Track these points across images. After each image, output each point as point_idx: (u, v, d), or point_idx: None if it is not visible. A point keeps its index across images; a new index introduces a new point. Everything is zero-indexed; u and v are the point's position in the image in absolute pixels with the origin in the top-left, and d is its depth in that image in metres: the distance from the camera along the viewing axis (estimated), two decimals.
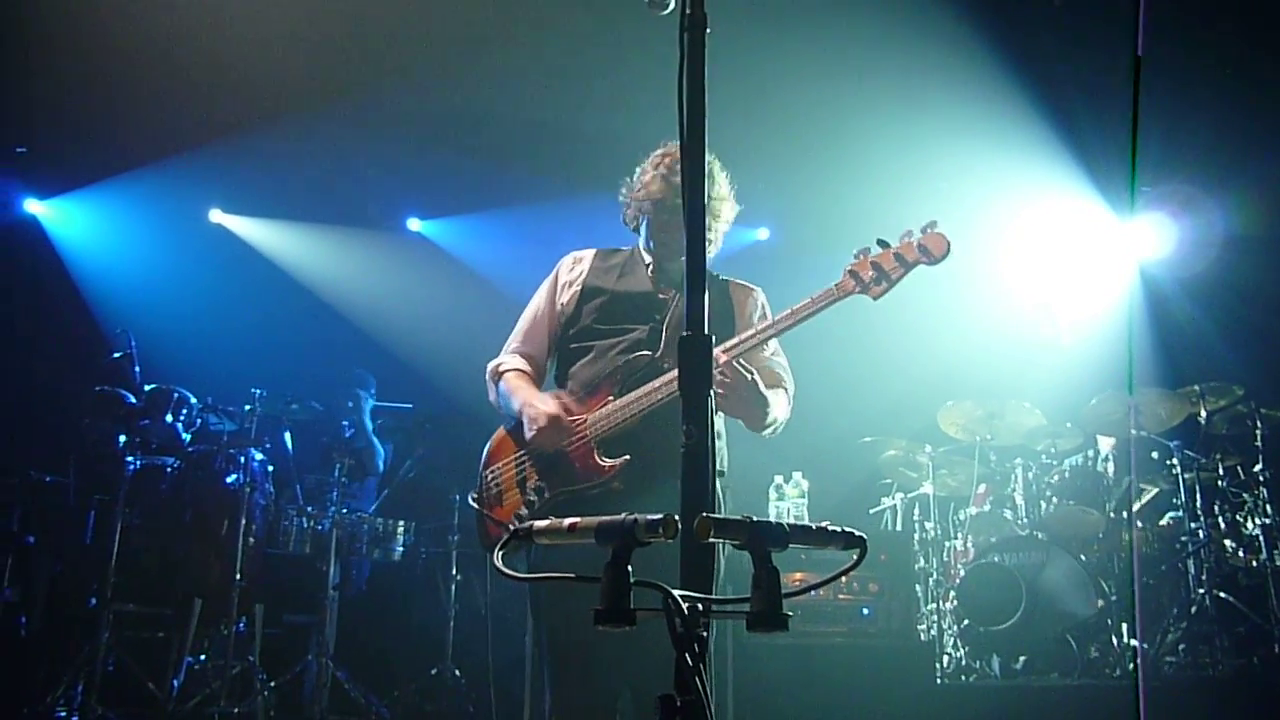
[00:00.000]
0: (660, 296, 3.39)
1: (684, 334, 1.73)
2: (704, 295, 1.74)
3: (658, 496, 3.06)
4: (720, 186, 3.45)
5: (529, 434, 3.20)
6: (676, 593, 1.25)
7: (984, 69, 7.39)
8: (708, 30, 1.90)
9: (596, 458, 3.14)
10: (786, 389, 3.42)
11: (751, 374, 3.11)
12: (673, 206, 3.32)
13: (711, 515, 1.31)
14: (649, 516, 1.28)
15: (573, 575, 1.37)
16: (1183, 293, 7.77)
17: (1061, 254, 8.17)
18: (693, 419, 1.66)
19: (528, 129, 8.31)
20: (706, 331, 1.72)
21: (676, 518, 1.28)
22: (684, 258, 2.98)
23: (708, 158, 3.36)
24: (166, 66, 7.46)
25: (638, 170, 3.52)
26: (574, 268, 3.52)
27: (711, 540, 1.32)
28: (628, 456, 3.09)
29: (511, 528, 3.01)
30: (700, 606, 1.25)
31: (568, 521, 1.37)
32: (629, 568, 1.29)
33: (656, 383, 3.11)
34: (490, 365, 3.50)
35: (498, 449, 3.38)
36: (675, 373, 3.02)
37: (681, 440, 1.63)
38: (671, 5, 2.05)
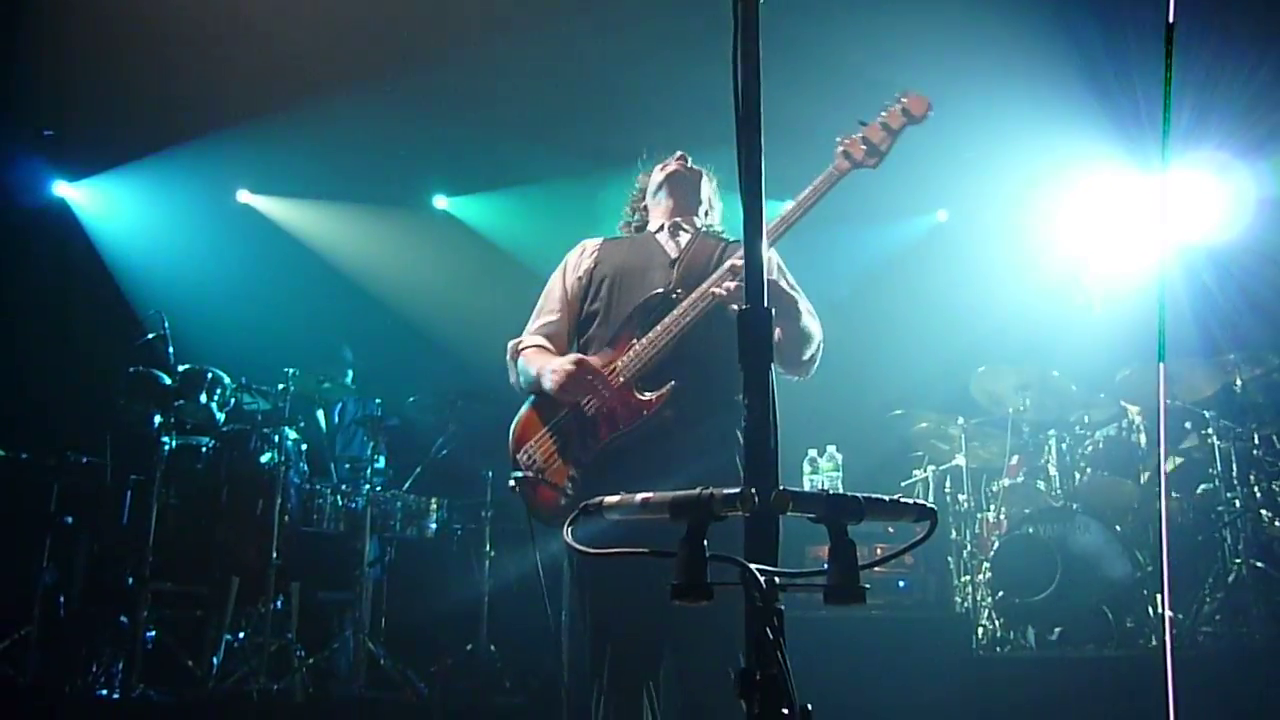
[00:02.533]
0: (670, 244, 3.46)
1: (743, 307, 1.72)
2: (764, 270, 1.73)
3: (712, 417, 3.13)
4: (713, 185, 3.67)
5: (552, 386, 3.17)
6: (754, 566, 1.24)
7: (1018, 37, 7.32)
8: (761, 1, 1.88)
9: (636, 394, 3.12)
10: (807, 307, 3.38)
11: (774, 275, 3.18)
12: (680, 176, 3.57)
13: (789, 489, 1.31)
14: (725, 491, 1.28)
15: (647, 550, 1.37)
16: (1217, 261, 7.69)
17: (1094, 222, 8.09)
18: (753, 392, 1.64)
19: (553, 104, 8.29)
20: (765, 306, 1.70)
21: (754, 491, 1.27)
22: (740, 237, 3.01)
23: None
24: (192, 48, 7.49)
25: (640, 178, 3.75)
26: (583, 254, 3.56)
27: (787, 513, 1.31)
28: (673, 383, 3.08)
29: (569, 490, 3.04)
30: (777, 580, 1.25)
31: (640, 496, 1.37)
32: (705, 542, 1.29)
33: (676, 310, 3.14)
34: (510, 345, 3.52)
35: (525, 427, 3.34)
36: (693, 294, 3.12)
37: (742, 409, 1.62)
38: None
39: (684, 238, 3.47)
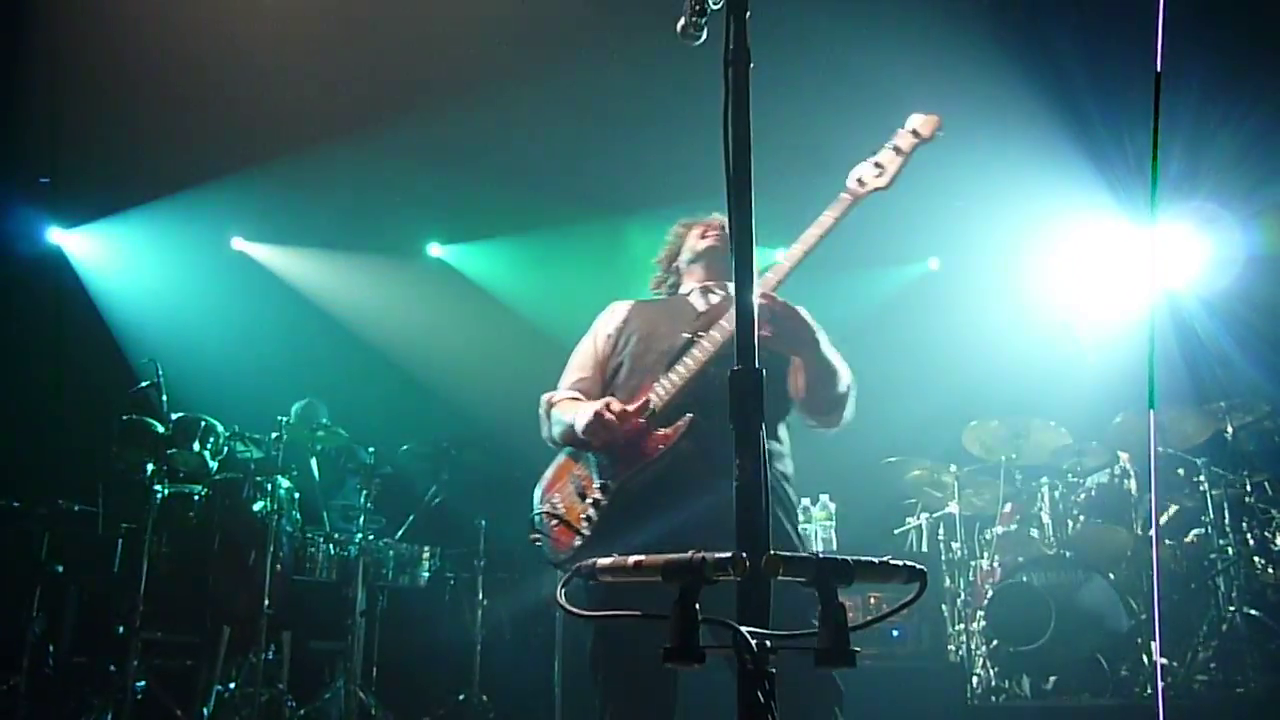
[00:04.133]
0: (701, 304, 3.48)
1: (734, 368, 1.74)
2: (754, 329, 1.75)
3: (727, 447, 3.11)
4: None
5: (582, 427, 3.15)
6: (745, 630, 1.25)
7: (1006, 88, 7.41)
8: (751, 65, 1.92)
9: (655, 433, 3.12)
10: (828, 341, 3.36)
11: (798, 310, 3.18)
12: (717, 253, 3.58)
13: (779, 553, 1.32)
14: (718, 555, 1.29)
15: (639, 612, 1.38)
16: (1207, 309, 7.75)
17: (1085, 271, 8.15)
18: (745, 453, 1.66)
19: (547, 154, 8.36)
20: (756, 364, 1.72)
21: (745, 556, 1.29)
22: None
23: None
24: (188, 96, 7.55)
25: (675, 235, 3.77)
26: (613, 315, 3.59)
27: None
28: (689, 415, 3.09)
29: (584, 530, 3.06)
30: (769, 643, 1.26)
31: (632, 559, 1.38)
32: (697, 605, 1.30)
33: (695, 350, 3.16)
34: (544, 399, 3.51)
35: (553, 479, 3.34)
36: (712, 332, 3.12)
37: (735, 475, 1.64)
38: (704, 36, 2.08)
39: (714, 298, 3.50)
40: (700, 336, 3.20)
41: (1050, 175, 7.62)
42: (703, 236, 3.63)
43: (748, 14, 1.95)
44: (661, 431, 3.12)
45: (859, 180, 3.24)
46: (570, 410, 3.31)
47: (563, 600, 1.42)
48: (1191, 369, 7.25)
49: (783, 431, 3.38)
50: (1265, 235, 7.60)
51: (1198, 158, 7.25)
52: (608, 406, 3.14)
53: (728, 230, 3.52)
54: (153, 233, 8.64)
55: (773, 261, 3.26)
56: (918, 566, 1.41)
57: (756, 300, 2.87)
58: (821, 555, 1.33)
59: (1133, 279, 7.97)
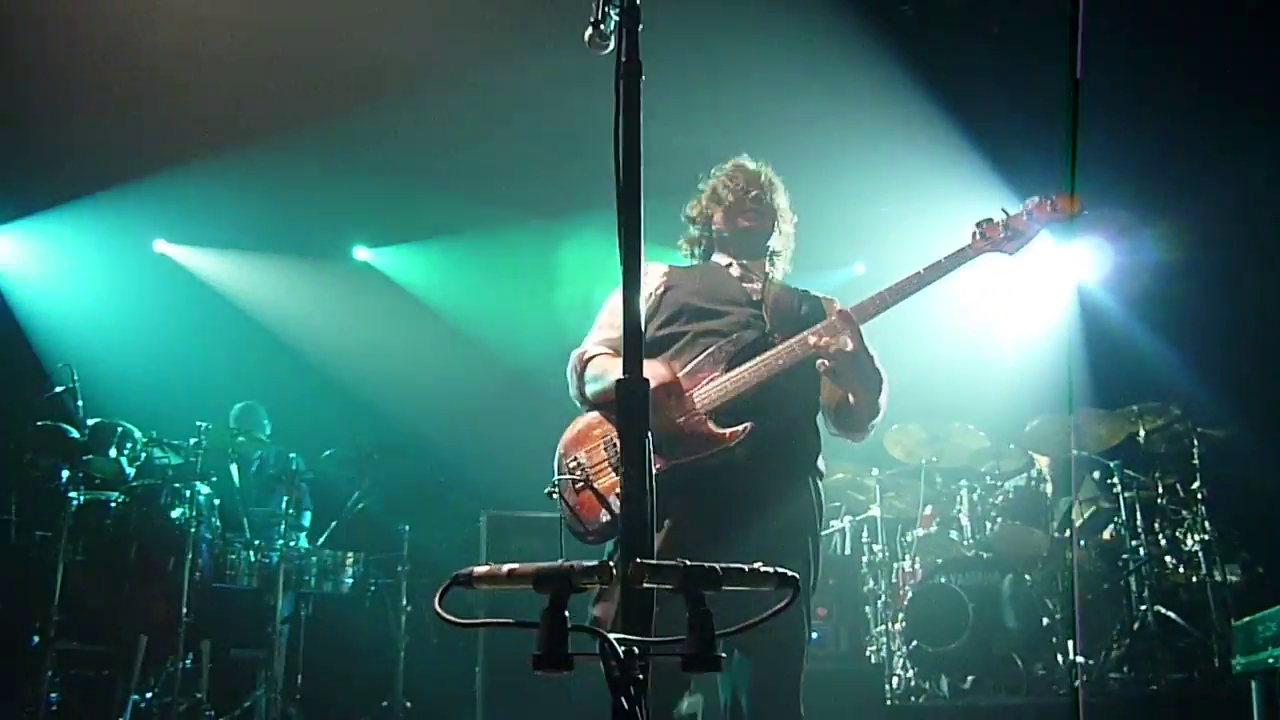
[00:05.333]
0: (747, 285, 3.36)
1: (621, 377, 1.75)
2: (641, 338, 1.77)
3: (782, 464, 3.09)
4: (781, 199, 3.50)
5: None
6: (613, 636, 1.27)
7: (920, 97, 7.54)
8: (643, 77, 1.94)
9: (712, 427, 3.01)
10: (887, 382, 3.29)
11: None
12: (748, 201, 3.42)
13: (645, 561, 1.34)
14: (585, 563, 1.31)
15: (511, 621, 1.39)
16: (1120, 315, 7.92)
17: (1002, 277, 8.28)
18: (631, 461, 1.68)
19: (474, 156, 8.33)
20: (644, 376, 1.74)
21: (613, 565, 1.31)
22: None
23: (767, 171, 3.47)
24: (109, 96, 7.42)
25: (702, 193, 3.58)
26: (649, 276, 3.39)
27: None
28: (749, 424, 2.98)
29: (615, 505, 2.91)
30: (636, 650, 1.28)
31: (506, 568, 1.40)
32: (566, 613, 1.32)
33: (770, 352, 3.06)
34: (574, 355, 3.35)
35: (579, 435, 3.20)
36: (791, 341, 3.03)
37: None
38: (610, 46, 2.08)
39: (757, 283, 3.39)
40: (775, 339, 3.12)
41: (970, 183, 7.74)
42: (741, 215, 3.44)
43: (639, 26, 1.97)
44: (720, 430, 3.01)
45: (983, 235, 3.18)
46: (615, 366, 3.08)
47: (439, 609, 1.42)
48: (1104, 373, 7.39)
49: (820, 426, 3.31)
50: (1176, 243, 7.78)
51: (1111, 168, 7.39)
52: (673, 378, 3.04)
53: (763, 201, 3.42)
54: (71, 234, 8.51)
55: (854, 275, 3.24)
56: (788, 574, 1.44)
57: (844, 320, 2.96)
58: (688, 563, 1.35)
59: (1048, 285, 8.12)
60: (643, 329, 1.79)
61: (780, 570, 1.43)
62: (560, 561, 1.33)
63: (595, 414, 3.22)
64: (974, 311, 8.18)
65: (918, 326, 7.92)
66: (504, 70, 7.55)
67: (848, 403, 3.23)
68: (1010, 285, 8.28)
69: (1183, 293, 7.65)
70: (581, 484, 3.05)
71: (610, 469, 3.07)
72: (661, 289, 3.36)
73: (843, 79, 7.35)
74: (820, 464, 3.25)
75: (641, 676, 1.28)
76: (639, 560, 1.33)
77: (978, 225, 3.20)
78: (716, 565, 1.36)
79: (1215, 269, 7.60)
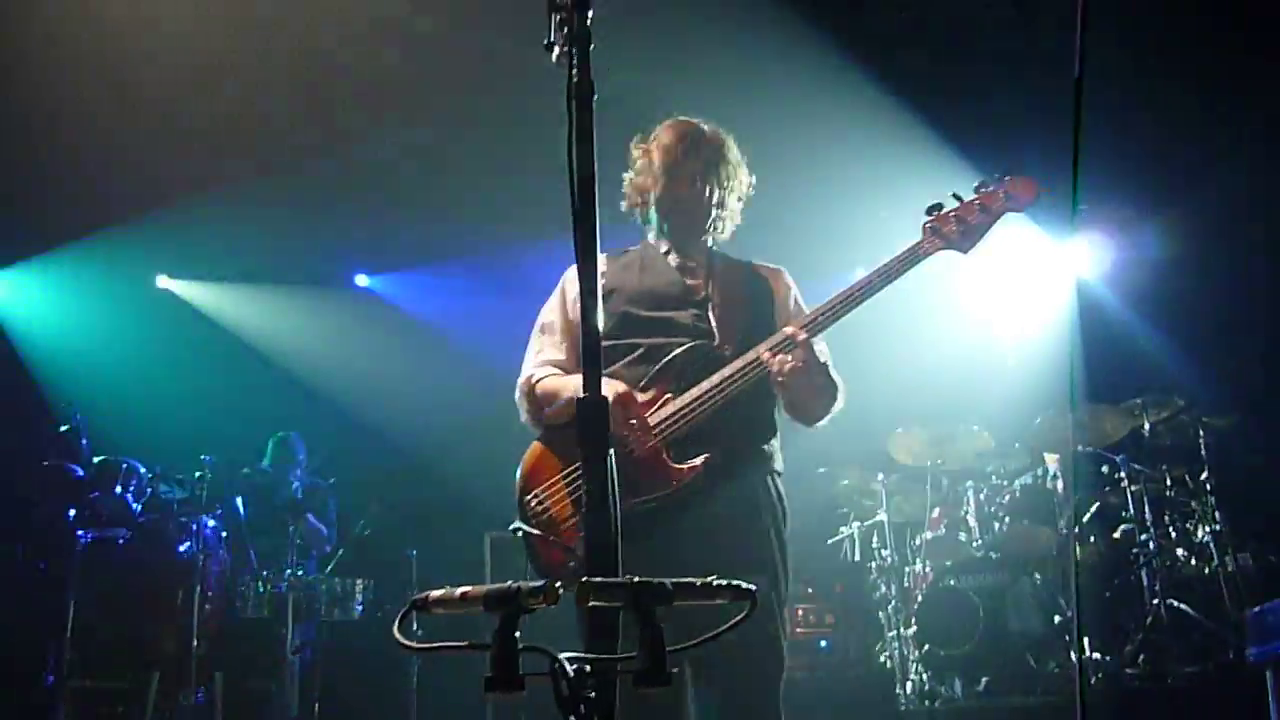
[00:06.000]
0: (690, 282, 3.20)
1: (581, 396, 1.76)
2: (600, 363, 1.78)
3: (739, 490, 2.96)
4: (734, 169, 3.27)
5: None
6: (563, 655, 1.28)
7: (923, 97, 7.54)
8: (595, 97, 1.95)
9: (669, 460, 2.86)
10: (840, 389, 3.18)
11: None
12: (679, 179, 3.21)
13: (592, 580, 1.35)
14: (532, 584, 1.32)
15: (465, 644, 1.40)
16: (1121, 310, 7.90)
17: (1002, 276, 8.28)
18: (593, 479, 1.69)
19: (474, 180, 8.35)
20: (603, 394, 1.75)
21: (559, 585, 1.31)
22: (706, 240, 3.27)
23: (723, 137, 3.23)
24: (106, 135, 7.47)
25: (634, 160, 3.34)
26: None
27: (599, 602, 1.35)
28: (707, 455, 2.85)
29: (580, 551, 2.74)
30: (587, 669, 1.28)
31: (459, 591, 1.40)
32: (517, 634, 1.32)
33: (725, 371, 2.92)
34: (520, 382, 3.19)
35: (536, 467, 3.04)
36: (744, 359, 2.90)
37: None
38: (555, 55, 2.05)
39: (698, 264, 3.24)
40: (726, 353, 2.99)
41: (969, 182, 7.72)
42: (679, 193, 3.23)
43: (591, 46, 1.99)
44: (677, 465, 2.87)
45: (935, 230, 3.01)
46: (568, 385, 3.03)
47: (399, 635, 1.43)
48: (1107, 368, 7.36)
49: (776, 423, 3.17)
50: (1176, 238, 7.76)
51: (1112, 164, 7.37)
52: (629, 400, 2.89)
53: (702, 163, 3.16)
54: (74, 274, 8.56)
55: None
56: (744, 586, 1.44)
57: (797, 337, 2.81)
58: (636, 579, 1.36)
59: (1049, 282, 8.11)
60: (599, 333, 1.77)
61: (735, 583, 1.43)
62: (509, 584, 1.33)
63: (548, 438, 3.09)
64: (974, 311, 8.17)
65: (918, 329, 7.93)
66: (503, 94, 7.58)
67: (800, 408, 3.13)
68: (1010, 283, 8.28)
69: (1182, 285, 7.63)
70: (544, 533, 2.92)
71: (571, 512, 2.93)
72: (601, 294, 3.10)
73: (841, 84, 7.36)
74: (778, 463, 3.13)
75: (595, 695, 1.29)
76: (585, 579, 1.34)
77: (928, 215, 3.03)
78: (667, 581, 1.36)
79: (1214, 261, 7.57)
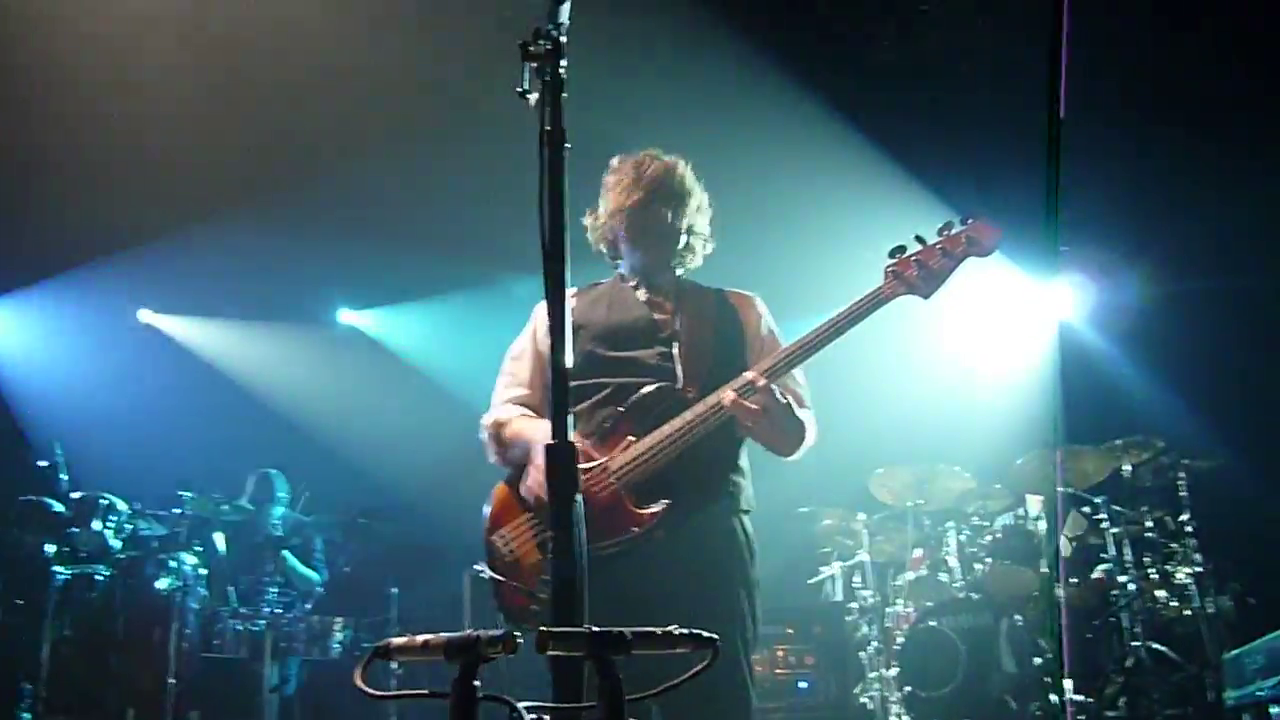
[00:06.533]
0: (658, 317, 3.20)
1: (550, 443, 1.77)
2: (567, 403, 1.79)
3: (704, 533, 2.95)
4: (694, 197, 3.27)
5: (530, 480, 2.92)
6: (521, 705, 1.28)
7: (901, 139, 7.61)
8: (567, 145, 1.98)
9: (631, 507, 2.86)
10: (809, 408, 3.19)
11: (786, 398, 2.95)
12: (641, 213, 3.21)
13: (550, 629, 1.35)
14: (491, 633, 1.32)
15: (426, 691, 1.40)
16: (1102, 351, 7.95)
17: (984, 317, 8.32)
18: (560, 525, 1.70)
19: (458, 214, 8.37)
20: (569, 438, 1.76)
21: (517, 634, 1.32)
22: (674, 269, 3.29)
23: (682, 168, 3.23)
24: (89, 170, 7.49)
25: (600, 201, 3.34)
26: None
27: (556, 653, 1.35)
28: (668, 502, 2.85)
29: (543, 595, 2.77)
30: (545, 718, 1.29)
31: (421, 639, 1.41)
32: (476, 683, 1.33)
33: (688, 415, 2.90)
34: (485, 421, 3.22)
35: (502, 509, 3.05)
36: (706, 403, 2.88)
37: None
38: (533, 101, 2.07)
39: (666, 297, 3.25)
40: (690, 396, 2.97)
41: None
42: (643, 231, 3.23)
43: (563, 94, 2.01)
44: (635, 510, 2.86)
45: (896, 275, 2.96)
46: (530, 432, 3.03)
47: (360, 683, 1.43)
48: (1088, 410, 7.39)
49: (743, 460, 3.18)
50: (1156, 280, 7.82)
51: (1090, 207, 7.43)
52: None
53: (662, 190, 3.15)
54: (56, 309, 8.54)
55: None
56: (705, 635, 1.45)
57: (756, 382, 2.81)
58: (595, 629, 1.36)
59: (1030, 324, 8.15)
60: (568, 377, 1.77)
61: (695, 632, 1.44)
62: (468, 632, 1.34)
63: (514, 477, 3.08)
64: (956, 352, 8.20)
65: (900, 369, 7.96)
66: (486, 129, 7.61)
67: (767, 446, 3.13)
68: (992, 324, 8.32)
69: (1163, 327, 7.68)
70: (507, 579, 2.92)
71: (537, 554, 2.92)
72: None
73: (820, 121, 7.43)
74: (745, 501, 3.11)
75: None
76: (544, 628, 1.34)
77: (890, 257, 2.98)
78: (626, 630, 1.37)
79: (1195, 302, 7.62)
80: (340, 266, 8.91)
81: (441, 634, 1.38)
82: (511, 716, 1.28)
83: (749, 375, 2.91)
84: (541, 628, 1.35)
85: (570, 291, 3.16)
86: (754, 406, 2.85)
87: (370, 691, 1.44)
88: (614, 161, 3.33)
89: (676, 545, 2.87)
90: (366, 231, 8.38)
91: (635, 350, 3.12)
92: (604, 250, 3.37)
